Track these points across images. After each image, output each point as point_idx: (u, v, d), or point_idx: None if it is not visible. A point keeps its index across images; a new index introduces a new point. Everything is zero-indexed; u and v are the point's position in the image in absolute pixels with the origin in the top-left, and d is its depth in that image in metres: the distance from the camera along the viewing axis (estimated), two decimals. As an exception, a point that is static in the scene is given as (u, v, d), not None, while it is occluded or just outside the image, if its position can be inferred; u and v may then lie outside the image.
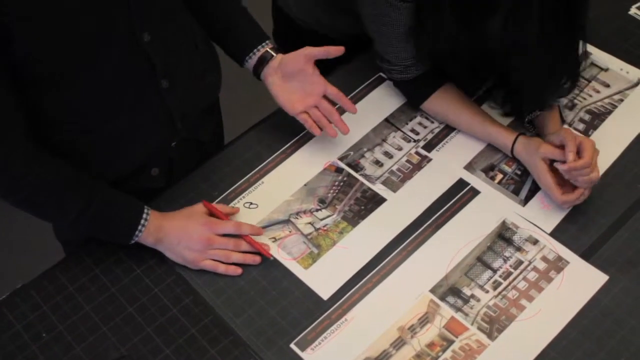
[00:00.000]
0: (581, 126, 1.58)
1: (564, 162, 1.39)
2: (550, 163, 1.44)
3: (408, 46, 1.49)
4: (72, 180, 1.33)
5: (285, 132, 1.60)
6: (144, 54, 1.33)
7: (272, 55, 1.52)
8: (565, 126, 1.56)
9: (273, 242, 1.44)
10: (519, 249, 1.41)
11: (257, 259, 1.41)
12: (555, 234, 1.43)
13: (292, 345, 1.32)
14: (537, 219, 1.45)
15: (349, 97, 1.63)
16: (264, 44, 1.53)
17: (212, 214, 1.44)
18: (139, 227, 1.37)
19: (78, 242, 1.50)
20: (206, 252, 1.39)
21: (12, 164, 1.26)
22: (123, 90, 1.35)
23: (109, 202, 1.36)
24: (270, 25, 1.90)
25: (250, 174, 1.54)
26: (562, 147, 1.41)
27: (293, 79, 1.50)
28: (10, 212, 1.80)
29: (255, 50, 1.53)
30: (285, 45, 1.85)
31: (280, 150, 1.58)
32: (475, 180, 1.51)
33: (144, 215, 1.37)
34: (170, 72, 1.38)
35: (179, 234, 1.39)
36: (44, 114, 1.30)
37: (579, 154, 1.39)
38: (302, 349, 1.31)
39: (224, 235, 1.41)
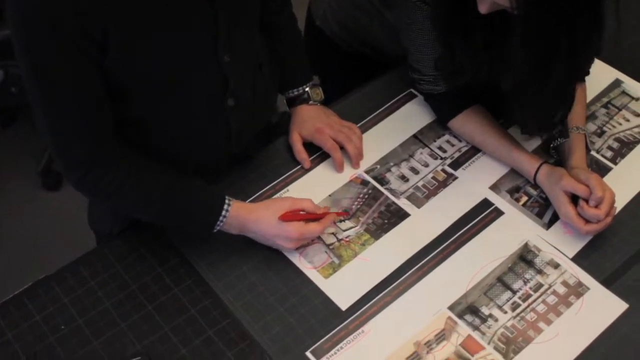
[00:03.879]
0: (609, 154, 1.58)
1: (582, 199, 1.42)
2: (572, 195, 1.44)
3: (437, 55, 1.51)
4: (155, 174, 1.36)
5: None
6: (221, 74, 1.36)
7: (309, 98, 1.61)
8: (593, 153, 1.57)
9: (295, 249, 1.45)
10: (539, 272, 1.41)
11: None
12: (577, 259, 1.43)
13: (308, 353, 1.32)
14: (560, 243, 1.45)
15: (379, 111, 1.66)
16: (305, 85, 1.62)
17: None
18: (220, 218, 1.38)
19: (110, 234, 1.53)
20: (299, 243, 1.43)
21: (101, 161, 1.29)
22: (193, 106, 1.37)
23: (189, 194, 1.39)
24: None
25: (277, 181, 1.55)
26: (584, 184, 1.42)
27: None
28: (42, 202, 1.83)
29: (298, 89, 1.62)
30: (316, 61, 1.88)
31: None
32: (499, 201, 1.51)
33: (225, 207, 1.38)
34: (237, 92, 1.41)
35: (268, 235, 1.41)
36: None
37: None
38: (318, 358, 1.31)
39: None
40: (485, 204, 1.51)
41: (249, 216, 1.40)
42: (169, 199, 1.37)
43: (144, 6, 1.18)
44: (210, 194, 1.41)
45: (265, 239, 1.42)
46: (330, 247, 1.45)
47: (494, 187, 1.53)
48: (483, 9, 1.29)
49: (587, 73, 1.59)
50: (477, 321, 1.35)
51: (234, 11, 1.31)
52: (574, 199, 1.44)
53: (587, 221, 1.41)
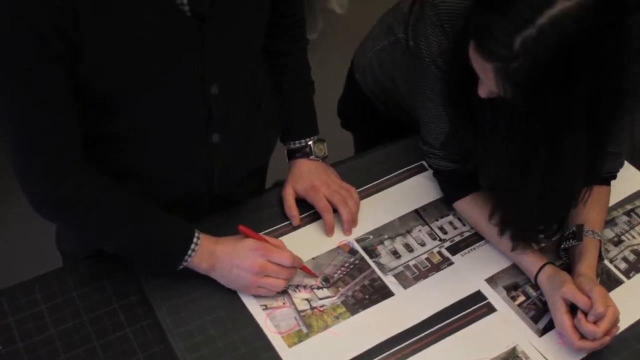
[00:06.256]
0: (623, 265, 1.44)
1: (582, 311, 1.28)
2: (572, 305, 1.31)
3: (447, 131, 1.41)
4: (123, 201, 1.26)
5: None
6: (206, 105, 1.25)
7: (311, 152, 1.51)
8: (606, 262, 1.44)
9: (264, 310, 1.33)
10: (523, 382, 1.27)
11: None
12: (568, 376, 1.29)
13: None
14: (551, 354, 1.31)
15: (384, 178, 1.57)
16: (309, 139, 1.52)
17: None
18: (189, 252, 1.29)
19: (74, 256, 1.44)
20: (259, 279, 1.31)
21: (67, 182, 1.19)
22: (171, 134, 1.27)
23: (157, 225, 1.29)
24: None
25: (261, 233, 1.44)
26: (587, 295, 1.29)
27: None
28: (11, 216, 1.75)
29: (300, 141, 1.52)
30: (349, 114, 1.76)
31: (298, 217, 1.49)
32: (494, 296, 1.38)
33: (195, 240, 1.30)
34: (224, 128, 1.30)
35: (231, 258, 1.32)
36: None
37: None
38: None
39: None
40: (477, 296, 1.38)
41: (217, 246, 1.32)
42: (136, 224, 1.27)
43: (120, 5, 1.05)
44: (179, 224, 1.31)
45: (229, 270, 1.32)
46: (302, 314, 1.33)
47: (491, 281, 1.40)
48: (482, 92, 1.21)
49: (614, 177, 1.47)
50: None
51: (225, 39, 1.20)
52: (574, 309, 1.30)
53: (583, 336, 1.28)
